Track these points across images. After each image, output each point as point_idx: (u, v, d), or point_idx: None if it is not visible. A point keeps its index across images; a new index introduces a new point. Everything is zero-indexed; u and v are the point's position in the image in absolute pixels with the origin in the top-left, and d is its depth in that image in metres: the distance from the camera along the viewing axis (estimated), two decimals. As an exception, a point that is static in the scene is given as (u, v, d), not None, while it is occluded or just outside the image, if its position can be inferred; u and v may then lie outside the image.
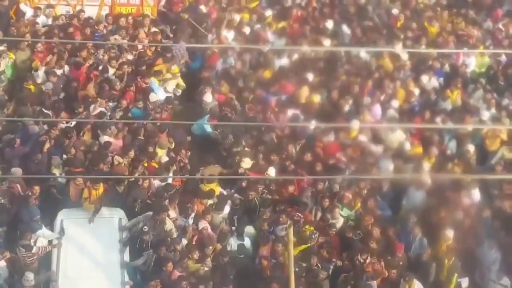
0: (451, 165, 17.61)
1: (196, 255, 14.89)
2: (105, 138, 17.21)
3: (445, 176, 17.00)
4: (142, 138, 17.49)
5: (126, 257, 15.03)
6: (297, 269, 14.36)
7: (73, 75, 19.16)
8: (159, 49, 20.55)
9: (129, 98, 18.64)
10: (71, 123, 17.49)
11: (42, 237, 15.04)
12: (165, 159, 17.08)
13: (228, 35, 21.30)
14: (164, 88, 19.29)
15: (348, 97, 19.36)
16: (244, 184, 16.56)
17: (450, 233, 15.67)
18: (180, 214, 15.91)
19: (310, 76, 19.91)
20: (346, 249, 15.59)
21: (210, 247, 15.02)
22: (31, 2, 21.63)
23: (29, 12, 21.35)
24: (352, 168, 17.31)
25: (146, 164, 16.71)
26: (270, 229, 15.64)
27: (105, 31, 20.81)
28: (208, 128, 18.24)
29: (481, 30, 22.98)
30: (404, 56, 20.96)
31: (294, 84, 19.75)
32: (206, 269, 14.79)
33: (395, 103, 19.34)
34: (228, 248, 15.36)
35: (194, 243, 15.28)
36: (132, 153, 16.80)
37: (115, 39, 20.33)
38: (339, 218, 16.14)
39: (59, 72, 18.96)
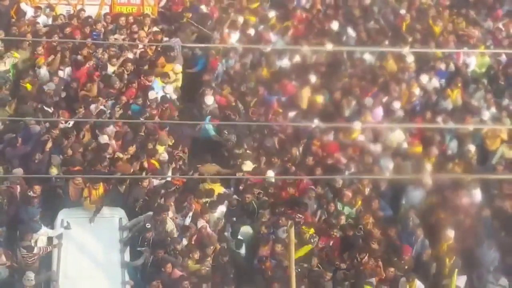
0: (451, 165, 17.62)
1: (196, 255, 14.88)
2: (104, 138, 17.20)
3: (445, 176, 17.01)
4: (143, 134, 17.50)
5: (127, 257, 15.02)
6: (299, 270, 14.41)
7: (74, 75, 19.17)
8: (159, 49, 20.53)
9: (129, 95, 18.67)
10: (69, 123, 17.46)
11: (44, 234, 15.05)
12: (164, 156, 17.09)
13: (233, 36, 21.24)
14: (163, 88, 19.28)
15: (351, 98, 19.33)
16: (241, 187, 16.55)
17: (451, 233, 15.69)
18: (177, 212, 15.89)
19: (313, 78, 19.87)
20: (348, 249, 15.58)
21: (211, 247, 15.02)
22: (32, 1, 21.61)
23: (29, 11, 21.35)
24: (352, 169, 17.31)
25: (146, 162, 16.71)
26: (270, 231, 15.61)
27: (103, 30, 20.79)
28: (212, 131, 18.22)
29: (482, 30, 22.96)
30: (410, 58, 20.91)
31: (296, 85, 19.74)
32: (207, 268, 14.79)
33: (397, 104, 19.33)
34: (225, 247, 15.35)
35: (193, 242, 15.26)
36: (132, 149, 16.83)
37: (116, 38, 20.31)
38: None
39: (61, 73, 18.98)
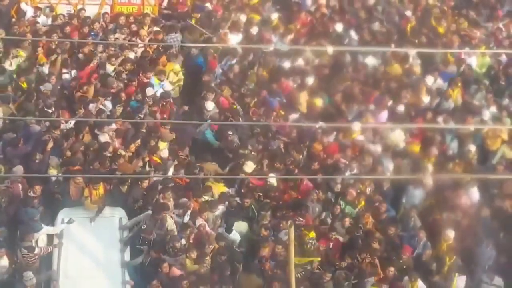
0: (452, 165, 17.62)
1: (194, 254, 14.87)
2: (104, 137, 17.19)
3: (446, 176, 17.01)
4: (144, 131, 17.52)
5: (127, 257, 15.02)
6: (303, 273, 14.43)
7: (78, 75, 19.15)
8: (160, 48, 20.54)
9: (129, 92, 18.69)
10: (69, 124, 17.46)
11: (45, 232, 15.05)
12: (166, 152, 17.11)
13: (234, 38, 21.19)
14: (161, 86, 19.30)
15: (353, 102, 19.31)
16: (243, 190, 16.53)
17: (451, 233, 15.69)
18: (175, 208, 15.88)
19: (311, 80, 19.84)
20: (348, 249, 15.59)
21: (211, 246, 15.01)
22: (32, 1, 21.62)
23: (29, 11, 21.36)
24: (354, 169, 17.27)
25: (147, 159, 16.77)
26: (271, 234, 15.57)
27: (100, 30, 20.78)
28: (213, 141, 18.20)
29: (483, 30, 22.94)
30: (416, 61, 20.88)
31: (294, 86, 19.72)
32: (205, 268, 14.77)
33: (402, 108, 19.31)
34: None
35: (191, 241, 15.22)
36: (134, 146, 16.85)
37: (116, 38, 20.31)
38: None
39: (67, 76, 18.98)
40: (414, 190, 17.03)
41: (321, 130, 17.97)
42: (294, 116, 18.78)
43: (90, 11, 21.66)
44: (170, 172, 16.65)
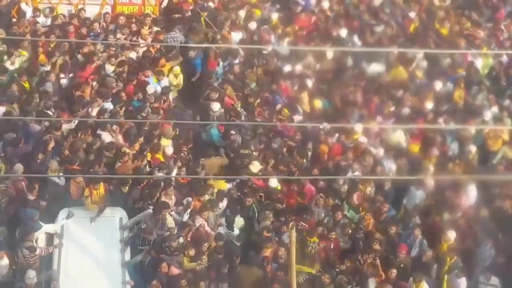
0: (452, 166, 17.60)
1: (192, 252, 14.83)
2: (106, 136, 17.17)
3: (446, 176, 17.00)
4: (146, 128, 17.51)
5: (127, 256, 15.02)
6: (306, 277, 14.41)
7: (79, 75, 19.11)
8: (162, 48, 20.52)
9: (128, 92, 18.67)
10: (73, 124, 17.44)
11: (46, 230, 15.05)
12: (170, 150, 17.09)
13: (235, 36, 21.17)
14: (159, 84, 19.31)
15: (354, 107, 19.25)
16: (246, 190, 16.48)
17: (451, 234, 15.67)
18: (175, 205, 15.88)
19: (310, 83, 19.80)
20: (349, 252, 15.57)
21: (206, 244, 14.97)
22: (33, 1, 21.61)
23: (29, 11, 21.34)
24: (356, 171, 17.22)
25: (150, 156, 16.77)
26: (273, 236, 15.52)
27: (99, 31, 20.76)
28: (218, 138, 18.20)
29: (486, 31, 22.91)
30: (422, 63, 20.82)
31: (293, 87, 19.69)
32: (202, 266, 14.73)
33: (406, 110, 19.28)
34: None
35: (189, 240, 15.18)
36: (138, 144, 16.85)
37: (118, 38, 20.29)
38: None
39: (63, 81, 18.94)
40: (415, 190, 17.00)
41: (323, 131, 17.95)
42: (298, 117, 18.74)
43: (91, 11, 21.63)
44: (174, 173, 16.62)
